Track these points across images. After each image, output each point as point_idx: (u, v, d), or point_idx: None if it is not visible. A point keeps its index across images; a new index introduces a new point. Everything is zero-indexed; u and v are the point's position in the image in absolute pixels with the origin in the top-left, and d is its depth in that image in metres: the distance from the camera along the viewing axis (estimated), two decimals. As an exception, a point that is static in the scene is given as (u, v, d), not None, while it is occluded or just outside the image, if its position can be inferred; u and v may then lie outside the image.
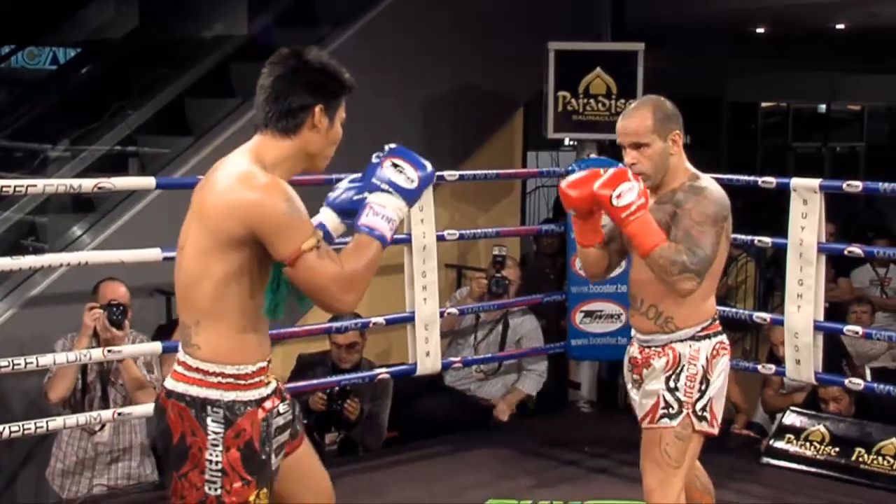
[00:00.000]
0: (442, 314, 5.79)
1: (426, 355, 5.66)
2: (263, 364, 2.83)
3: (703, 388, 3.61)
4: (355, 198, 3.02)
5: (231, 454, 2.74)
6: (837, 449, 5.61)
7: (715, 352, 3.64)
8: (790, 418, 5.89)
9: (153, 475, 5.26)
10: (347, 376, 5.60)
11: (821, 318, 5.43)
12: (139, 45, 7.68)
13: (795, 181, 5.48)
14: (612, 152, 6.70)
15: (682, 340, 3.63)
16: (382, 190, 2.83)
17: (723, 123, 16.91)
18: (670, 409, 3.60)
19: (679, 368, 3.62)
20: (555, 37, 6.67)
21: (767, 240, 5.75)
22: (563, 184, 3.61)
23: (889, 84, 15.08)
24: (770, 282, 9.32)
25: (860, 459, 5.48)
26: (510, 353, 6.25)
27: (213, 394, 2.75)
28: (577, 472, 5.60)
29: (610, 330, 6.20)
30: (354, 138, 6.83)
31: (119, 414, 4.82)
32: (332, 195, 3.15)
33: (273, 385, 2.88)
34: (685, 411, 3.59)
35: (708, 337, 3.64)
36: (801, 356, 5.44)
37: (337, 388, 5.58)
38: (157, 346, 5.03)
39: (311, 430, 5.73)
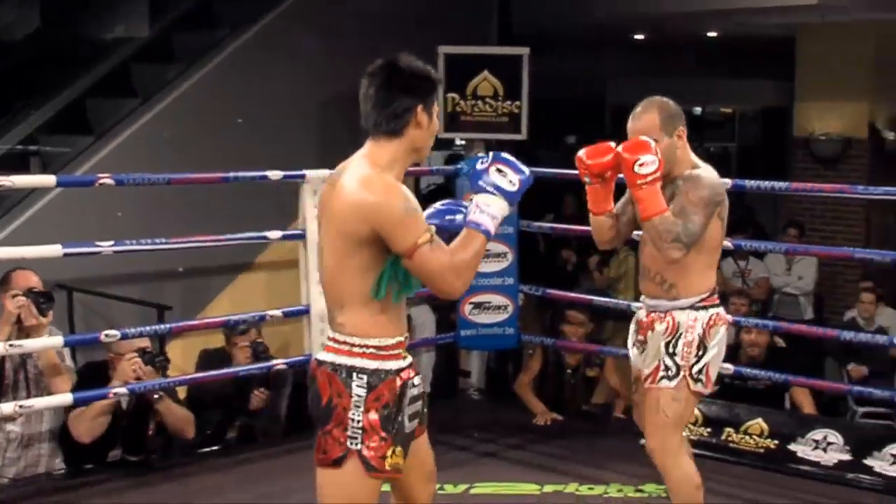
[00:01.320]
0: (337, 306, 5.76)
1: (321, 346, 5.62)
2: (401, 339, 3.12)
3: (699, 353, 3.90)
4: (447, 218, 3.24)
5: (370, 415, 3.02)
6: (710, 429, 5.72)
7: (712, 321, 3.93)
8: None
9: (60, 463, 5.16)
10: (247, 367, 5.57)
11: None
12: (41, 45, 7.54)
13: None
14: (498, 151, 6.74)
15: (682, 309, 3.92)
16: (488, 191, 3.06)
17: (605, 125, 17.10)
18: (669, 372, 3.89)
19: (677, 335, 3.91)
20: (445, 40, 6.69)
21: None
22: (581, 153, 3.95)
23: (758, 89, 15.37)
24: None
25: (729, 438, 5.60)
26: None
27: (358, 362, 3.05)
28: (467, 457, 5.63)
29: (497, 321, 6.24)
30: (253, 136, 6.84)
31: (22, 406, 4.74)
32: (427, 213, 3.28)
33: (409, 359, 3.16)
34: (682, 374, 3.89)
35: (706, 308, 3.93)
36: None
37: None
38: (58, 340, 4.96)
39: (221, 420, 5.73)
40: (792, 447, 5.51)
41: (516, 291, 6.27)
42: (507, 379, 6.77)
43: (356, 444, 3.02)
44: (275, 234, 5.72)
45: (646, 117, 3.95)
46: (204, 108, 6.57)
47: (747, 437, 5.62)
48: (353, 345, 3.06)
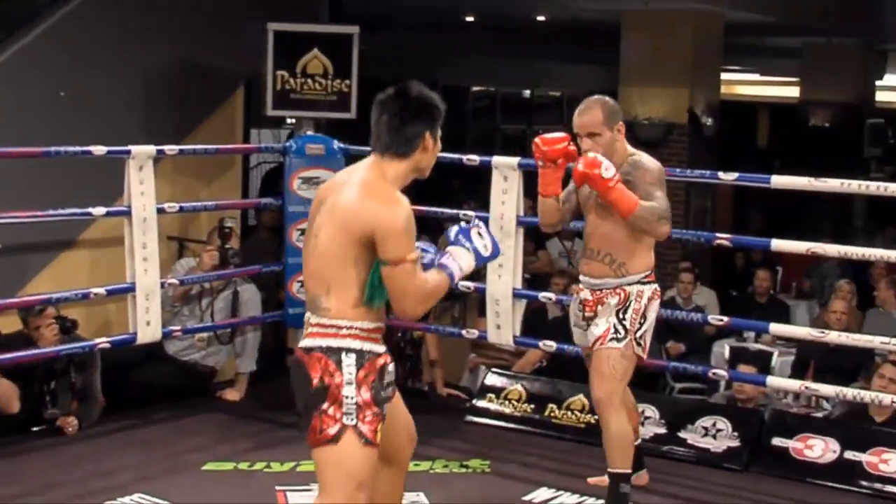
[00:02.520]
0: (162, 285, 5.70)
1: (146, 325, 5.57)
2: (380, 325, 3.34)
3: (642, 321, 4.42)
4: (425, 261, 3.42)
5: (363, 391, 3.24)
6: (533, 406, 5.84)
7: (653, 294, 4.47)
8: (491, 379, 6.09)
9: None
10: (62, 347, 5.44)
11: (519, 286, 5.62)
12: None
13: (496, 159, 5.65)
14: (328, 130, 6.74)
15: (630, 284, 4.43)
16: (464, 246, 3.39)
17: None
18: (618, 335, 4.38)
19: (628, 304, 4.41)
20: (274, 18, 6.63)
21: (471, 213, 5.88)
22: (537, 139, 4.55)
23: (585, 73, 15.68)
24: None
25: (552, 415, 5.72)
26: (233, 322, 6.20)
27: (346, 343, 3.26)
28: (294, 434, 5.57)
29: (325, 298, 6.23)
30: (77, 110, 6.65)
31: None
32: None
33: (384, 347, 3.37)
34: (629, 337, 4.39)
35: (650, 283, 4.48)
36: (501, 321, 5.62)
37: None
38: None
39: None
40: (611, 422, 5.65)
41: (344, 270, 6.27)
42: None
43: (352, 420, 3.23)
44: (99, 211, 5.60)
45: (591, 113, 4.44)
46: (24, 80, 6.37)
47: (569, 413, 5.75)
48: (340, 327, 3.27)
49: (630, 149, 4.52)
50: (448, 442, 5.50)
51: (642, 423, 5.46)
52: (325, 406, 3.22)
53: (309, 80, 6.58)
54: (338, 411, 3.22)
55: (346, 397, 3.22)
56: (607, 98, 4.52)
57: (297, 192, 6.19)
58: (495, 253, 3.49)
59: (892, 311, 8.04)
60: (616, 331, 4.40)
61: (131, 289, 5.53)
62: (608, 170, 4.23)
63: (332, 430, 3.22)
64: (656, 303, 4.50)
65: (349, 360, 3.25)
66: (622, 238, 4.42)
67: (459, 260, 3.36)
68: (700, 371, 5.94)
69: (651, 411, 5.58)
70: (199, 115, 7.32)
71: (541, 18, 12.15)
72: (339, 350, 3.25)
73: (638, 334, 4.42)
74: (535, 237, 8.49)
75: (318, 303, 3.30)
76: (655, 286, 4.51)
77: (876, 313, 8.09)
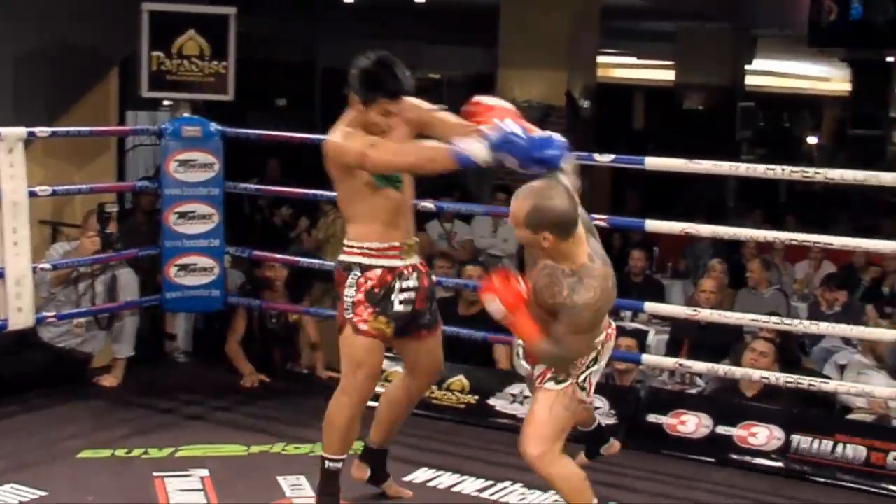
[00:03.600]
0: (35, 270, 5.57)
1: (18, 311, 5.44)
2: (394, 244, 4.19)
3: (591, 364, 3.89)
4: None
5: (358, 294, 4.17)
6: (413, 387, 5.84)
7: (608, 338, 3.96)
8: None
9: None
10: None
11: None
12: None
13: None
14: (206, 112, 6.65)
15: None
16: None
17: (316, 88, 17.10)
18: (557, 377, 3.84)
19: None
20: (150, -3, 6.53)
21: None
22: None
23: (466, 55, 15.72)
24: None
25: (432, 395, 5.74)
26: (109, 307, 6.09)
27: (354, 259, 4.20)
28: (173, 420, 5.57)
29: (203, 283, 6.17)
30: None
31: None
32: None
33: (410, 262, 4.25)
34: (571, 380, 3.84)
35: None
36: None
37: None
38: None
39: None
40: (491, 401, 5.71)
41: (222, 253, 6.23)
42: (215, 341, 6.70)
43: (349, 315, 4.17)
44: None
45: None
46: None
47: (449, 394, 5.77)
48: (352, 247, 4.20)
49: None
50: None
51: (521, 402, 5.53)
52: (338, 303, 4.22)
53: (185, 62, 6.49)
54: (342, 308, 4.19)
55: (347, 297, 4.17)
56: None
57: (173, 174, 6.10)
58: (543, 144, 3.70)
59: (763, 290, 8.24)
60: (556, 373, 3.86)
61: (1, 275, 5.40)
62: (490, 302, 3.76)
63: (340, 323, 4.21)
64: (610, 345, 3.98)
65: (354, 271, 4.17)
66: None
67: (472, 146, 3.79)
68: (578, 350, 6.00)
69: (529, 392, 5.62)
70: (73, 96, 7.18)
71: (420, 0, 12.15)
72: (349, 264, 4.19)
73: (581, 378, 3.85)
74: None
75: (347, 230, 4.25)
76: (611, 330, 4.01)
77: (747, 292, 8.29)
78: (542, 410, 3.84)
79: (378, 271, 4.15)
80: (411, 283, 4.24)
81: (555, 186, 3.70)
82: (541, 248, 3.73)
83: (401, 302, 4.20)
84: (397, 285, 4.19)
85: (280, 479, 4.75)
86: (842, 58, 17.87)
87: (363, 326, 4.13)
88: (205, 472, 4.78)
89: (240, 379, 6.23)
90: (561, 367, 3.83)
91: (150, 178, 8.51)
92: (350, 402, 4.24)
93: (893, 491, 4.89)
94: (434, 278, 4.52)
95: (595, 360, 3.90)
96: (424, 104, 4.31)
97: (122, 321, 6.17)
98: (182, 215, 6.12)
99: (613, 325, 4.06)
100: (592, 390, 3.96)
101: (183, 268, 6.14)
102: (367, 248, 4.16)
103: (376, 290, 4.15)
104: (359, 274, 4.15)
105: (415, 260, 4.28)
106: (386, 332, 4.19)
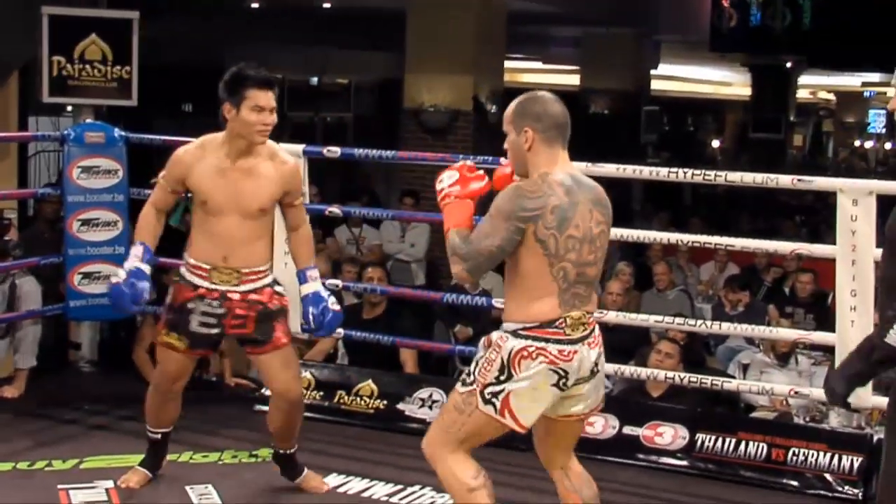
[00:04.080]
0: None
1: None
2: (203, 265, 4.38)
3: (500, 377, 3.47)
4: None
5: (165, 303, 4.52)
6: (322, 392, 5.83)
7: (527, 353, 3.46)
8: (280, 368, 6.04)
9: None
10: None
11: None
12: None
13: (283, 146, 5.58)
14: (109, 117, 6.57)
15: (504, 331, 3.55)
16: None
17: (223, 93, 16.98)
18: (466, 378, 3.58)
19: (488, 350, 3.57)
20: (50, 1, 6.43)
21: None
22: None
23: (373, 60, 15.72)
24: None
25: (341, 401, 5.73)
26: (10, 316, 5.98)
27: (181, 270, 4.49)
28: (77, 430, 5.48)
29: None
30: None
31: None
32: None
33: (215, 287, 4.39)
34: (475, 387, 3.52)
35: (527, 338, 3.48)
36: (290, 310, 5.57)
37: None
38: None
39: None
40: (400, 406, 5.70)
41: (127, 261, 6.14)
42: (120, 349, 6.61)
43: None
44: None
45: None
46: None
47: (358, 399, 5.76)
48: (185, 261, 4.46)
49: (545, 168, 3.58)
50: (237, 432, 5.45)
51: (430, 406, 5.53)
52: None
53: (87, 66, 6.42)
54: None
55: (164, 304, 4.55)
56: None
57: (76, 181, 6.01)
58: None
59: (667, 291, 8.35)
60: (469, 373, 3.60)
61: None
62: (441, 181, 3.71)
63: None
64: (536, 364, 3.49)
65: (174, 282, 4.54)
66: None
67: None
68: (486, 353, 6.02)
69: (439, 394, 5.63)
70: (-29, 102, 7.06)
71: (326, 5, 12.12)
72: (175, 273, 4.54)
73: (488, 389, 3.51)
74: (322, 224, 8.48)
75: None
76: (538, 343, 3.49)
77: (652, 294, 8.39)
78: (443, 410, 3.73)
79: (182, 287, 4.45)
80: (212, 307, 4.41)
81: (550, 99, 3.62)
82: (520, 156, 3.56)
83: (200, 323, 4.43)
84: (198, 307, 4.41)
85: (188, 488, 4.70)
86: (742, 63, 18.21)
87: (159, 337, 4.57)
88: (110, 484, 4.70)
89: (147, 387, 6.14)
90: (459, 269, 3.57)
91: (53, 184, 8.38)
92: (151, 392, 4.70)
93: (794, 486, 4.98)
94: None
95: (507, 373, 3.49)
96: (299, 185, 4.63)
97: (23, 330, 6.05)
98: (85, 222, 6.03)
99: (557, 349, 3.53)
100: (521, 416, 3.54)
101: (87, 276, 6.05)
102: (186, 263, 4.47)
103: (174, 306, 4.47)
104: (174, 284, 4.53)
105: (233, 287, 4.40)
106: (175, 346, 4.49)
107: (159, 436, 4.74)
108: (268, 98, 4.27)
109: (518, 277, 3.55)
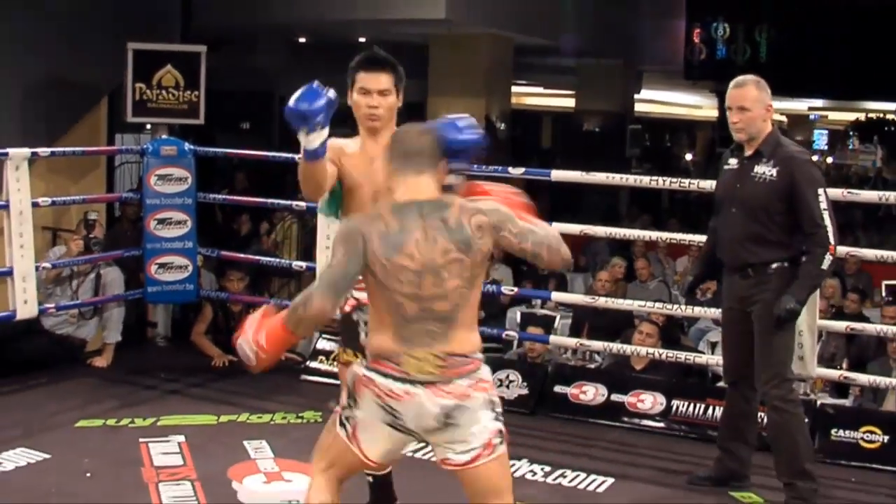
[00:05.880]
0: (37, 268, 5.51)
1: (24, 303, 5.38)
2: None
3: (349, 402, 2.87)
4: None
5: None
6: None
7: (363, 382, 2.83)
8: (322, 344, 6.06)
9: None
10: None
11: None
12: None
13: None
14: (181, 134, 6.62)
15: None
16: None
17: (275, 113, 17.01)
18: (339, 399, 2.97)
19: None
20: (134, 38, 6.49)
21: (303, 204, 5.91)
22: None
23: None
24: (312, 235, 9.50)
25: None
26: (99, 299, 6.03)
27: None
28: (154, 395, 5.52)
29: (179, 278, 6.12)
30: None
31: None
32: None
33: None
34: (338, 407, 2.95)
35: (367, 367, 2.84)
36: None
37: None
38: None
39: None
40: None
41: (195, 253, 6.18)
42: (189, 328, 6.65)
43: None
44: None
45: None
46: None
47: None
48: None
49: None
50: (286, 398, 5.48)
51: (508, 386, 5.53)
52: None
53: (163, 92, 6.46)
54: None
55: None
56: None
57: (153, 187, 6.05)
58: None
59: (649, 282, 8.34)
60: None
61: (10, 272, 5.33)
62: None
63: None
64: (367, 393, 2.81)
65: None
66: None
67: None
68: (496, 333, 6.05)
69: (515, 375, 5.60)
70: (69, 121, 7.13)
71: (362, 40, 12.14)
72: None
73: (344, 413, 2.90)
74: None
75: None
76: (367, 373, 2.81)
77: (635, 284, 8.38)
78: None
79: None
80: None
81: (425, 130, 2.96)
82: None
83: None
84: (359, 317, 3.33)
85: (245, 443, 4.73)
86: (711, 89, 18.15)
87: (340, 356, 3.46)
88: (181, 438, 4.75)
89: (211, 360, 6.19)
90: (318, 303, 2.76)
91: (134, 190, 8.42)
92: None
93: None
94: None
95: (354, 400, 2.85)
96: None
97: (109, 311, 6.10)
98: (161, 221, 6.07)
99: (380, 380, 2.80)
100: (365, 447, 2.87)
101: (162, 266, 6.09)
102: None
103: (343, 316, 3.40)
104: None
105: None
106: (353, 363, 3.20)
107: (370, 479, 3.59)
108: (376, 80, 3.35)
109: (372, 307, 2.88)
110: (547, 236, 2.93)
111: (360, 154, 3.36)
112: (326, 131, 3.04)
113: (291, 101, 2.97)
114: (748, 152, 4.12)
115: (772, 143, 4.07)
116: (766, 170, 4.04)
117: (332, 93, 3.04)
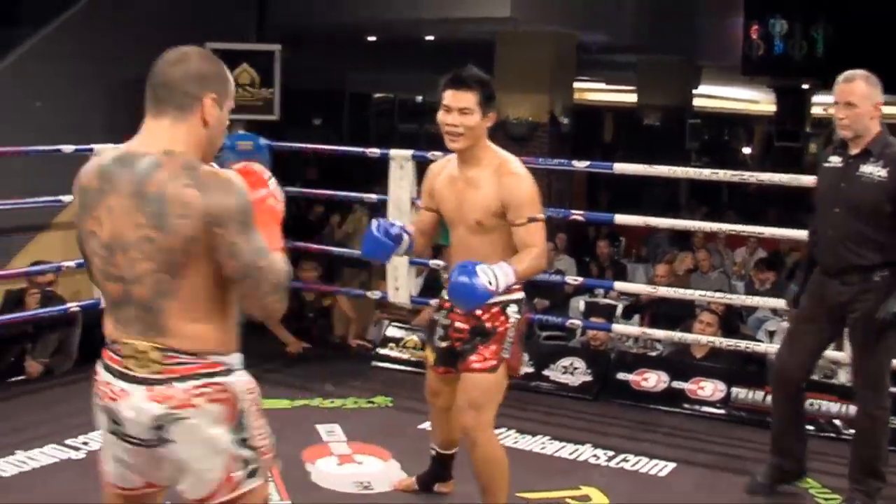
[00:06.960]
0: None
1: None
2: (445, 275, 3.45)
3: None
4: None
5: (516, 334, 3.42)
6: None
7: (95, 374, 2.21)
8: (392, 331, 6.06)
9: None
10: (46, 310, 5.32)
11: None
12: None
13: (394, 152, 5.63)
14: (257, 129, 6.65)
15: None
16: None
17: (345, 109, 17.07)
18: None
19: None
20: (210, 38, 6.53)
21: (374, 196, 5.90)
22: None
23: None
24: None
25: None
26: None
27: (515, 296, 3.40)
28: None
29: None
30: (47, 118, 6.48)
31: None
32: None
33: (445, 298, 3.36)
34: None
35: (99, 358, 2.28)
36: (400, 284, 5.61)
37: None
38: None
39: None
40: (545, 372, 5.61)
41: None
42: (265, 316, 6.68)
43: (506, 354, 3.31)
44: (68, 198, 5.45)
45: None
46: (5, 94, 6.22)
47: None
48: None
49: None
50: (357, 383, 5.49)
51: (572, 373, 5.50)
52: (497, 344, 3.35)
53: (240, 89, 6.52)
54: (500, 347, 3.34)
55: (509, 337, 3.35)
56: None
57: (232, 180, 6.09)
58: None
59: (709, 273, 8.22)
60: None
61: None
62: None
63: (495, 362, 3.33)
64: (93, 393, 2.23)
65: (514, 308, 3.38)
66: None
67: None
68: (561, 322, 6.00)
69: (524, 355, 5.58)
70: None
71: (430, 38, 12.11)
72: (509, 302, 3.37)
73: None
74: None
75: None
76: (98, 366, 2.20)
77: (697, 275, 8.27)
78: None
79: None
80: (443, 319, 3.47)
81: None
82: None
83: (439, 337, 3.49)
84: (439, 319, 3.50)
85: (318, 426, 4.74)
86: (768, 85, 17.85)
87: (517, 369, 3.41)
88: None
89: (285, 347, 6.22)
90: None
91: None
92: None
93: (811, 430, 4.86)
94: (441, 262, 4.13)
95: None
96: (521, 201, 3.24)
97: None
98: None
99: (125, 387, 2.11)
100: (106, 469, 2.23)
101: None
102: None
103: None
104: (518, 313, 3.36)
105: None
106: (430, 360, 3.59)
107: (433, 451, 3.82)
108: (457, 98, 3.24)
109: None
110: (271, 270, 2.10)
111: (447, 178, 3.43)
112: (405, 240, 3.34)
113: (363, 251, 3.33)
114: (854, 151, 3.80)
115: (881, 143, 3.76)
116: (874, 169, 3.73)
117: (395, 228, 3.33)
